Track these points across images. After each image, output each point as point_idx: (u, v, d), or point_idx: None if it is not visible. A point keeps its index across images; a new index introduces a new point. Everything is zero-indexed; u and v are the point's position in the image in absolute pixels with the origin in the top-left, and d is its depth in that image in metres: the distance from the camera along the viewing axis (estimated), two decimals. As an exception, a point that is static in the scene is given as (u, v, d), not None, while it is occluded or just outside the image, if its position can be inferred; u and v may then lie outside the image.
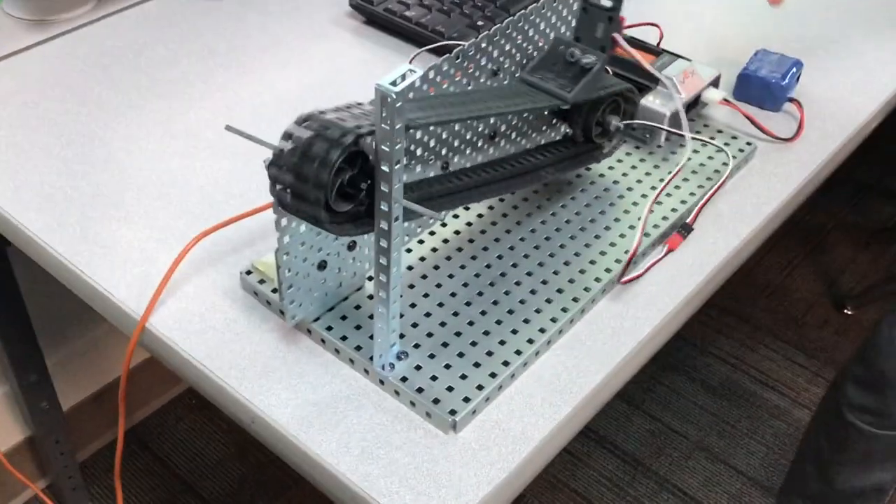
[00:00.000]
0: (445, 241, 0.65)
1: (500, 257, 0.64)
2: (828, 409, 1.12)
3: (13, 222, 0.66)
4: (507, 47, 0.61)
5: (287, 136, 0.47)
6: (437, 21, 0.85)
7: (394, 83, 0.43)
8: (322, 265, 0.57)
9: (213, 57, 0.83)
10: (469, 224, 0.66)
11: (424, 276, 0.62)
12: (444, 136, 0.60)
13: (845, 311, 1.65)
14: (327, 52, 0.85)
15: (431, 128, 0.56)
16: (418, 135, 0.57)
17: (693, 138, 0.72)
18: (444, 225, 0.66)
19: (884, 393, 1.01)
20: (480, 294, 0.61)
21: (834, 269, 1.73)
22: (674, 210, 0.67)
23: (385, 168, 0.45)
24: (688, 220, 0.66)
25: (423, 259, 0.63)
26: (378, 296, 0.52)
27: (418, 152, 0.58)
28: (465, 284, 0.62)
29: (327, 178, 0.45)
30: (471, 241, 0.65)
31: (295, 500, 1.32)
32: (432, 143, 0.59)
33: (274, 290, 0.60)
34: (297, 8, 0.90)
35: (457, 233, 0.66)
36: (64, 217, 0.66)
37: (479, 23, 0.85)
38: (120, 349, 1.30)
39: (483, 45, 0.58)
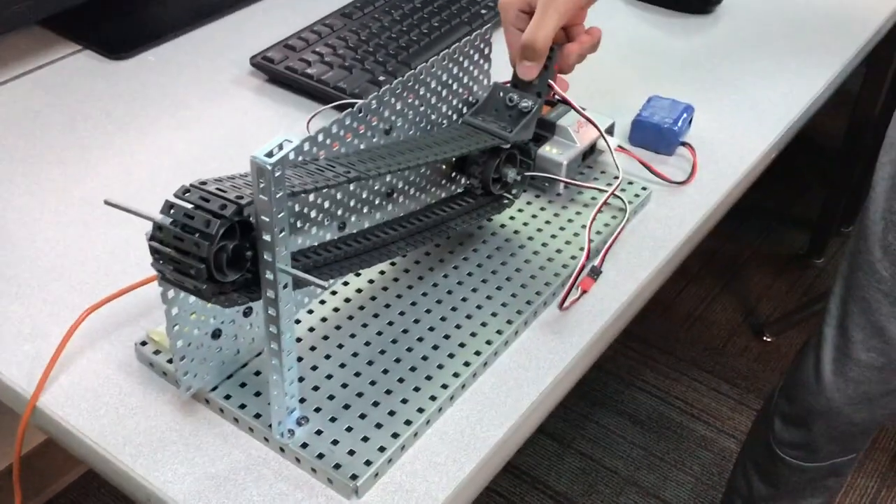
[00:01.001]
0: (347, 300, 0.65)
1: (402, 314, 0.64)
2: (756, 444, 1.14)
3: None
4: (410, 100, 0.61)
5: (167, 208, 0.46)
6: (338, 77, 0.85)
7: (269, 154, 0.43)
8: (216, 334, 0.56)
9: (110, 121, 0.82)
10: (371, 281, 0.66)
11: (326, 337, 0.62)
12: (338, 196, 0.60)
13: (764, 338, 1.69)
14: (229, 111, 0.84)
15: (325, 190, 0.56)
16: (311, 198, 0.57)
17: (589, 187, 0.73)
18: (345, 284, 0.66)
19: (811, 428, 1.02)
20: (382, 352, 0.61)
21: (751, 298, 1.78)
22: (573, 258, 0.68)
23: (267, 238, 0.45)
24: (595, 264, 0.67)
25: (324, 319, 0.63)
26: (272, 364, 0.51)
27: (312, 214, 0.58)
28: (367, 343, 0.61)
29: (208, 252, 0.44)
30: (373, 298, 0.65)
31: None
32: (327, 205, 0.59)
33: (170, 361, 0.58)
34: (198, 68, 0.90)
35: (359, 291, 0.65)
36: (-50, 295, 0.64)
37: (381, 78, 0.86)
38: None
39: (376, 103, 0.59)
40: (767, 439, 1.09)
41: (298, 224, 0.56)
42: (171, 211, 0.46)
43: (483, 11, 0.98)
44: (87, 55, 0.90)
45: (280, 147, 0.43)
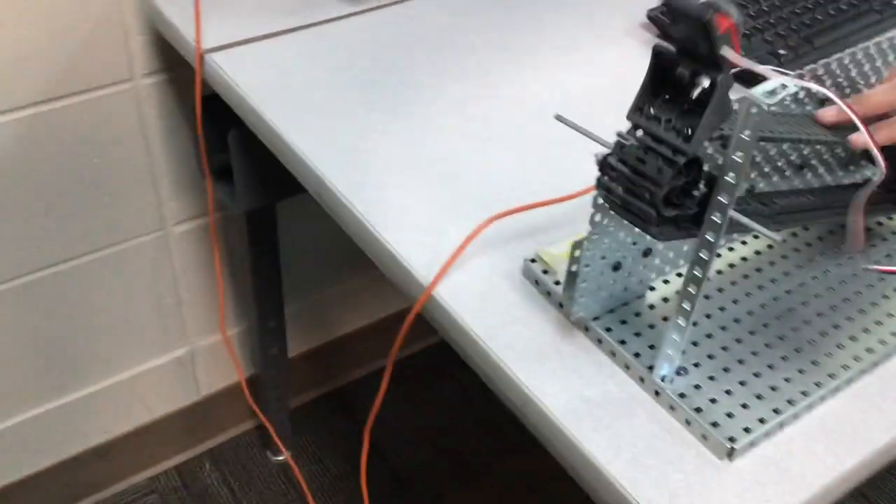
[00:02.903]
0: (731, 265, 0.63)
1: (788, 292, 0.61)
2: None
3: (318, 175, 0.70)
4: (854, 74, 0.58)
5: (634, 128, 0.47)
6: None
7: (766, 95, 0.42)
8: (617, 266, 0.57)
9: (507, 50, 0.85)
10: (758, 253, 0.64)
11: (708, 297, 0.61)
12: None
13: None
14: (617, 59, 0.85)
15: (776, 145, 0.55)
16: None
17: None
18: (730, 249, 0.64)
19: None
20: (766, 326, 0.59)
21: None
22: None
23: (731, 179, 0.45)
24: None
25: (708, 280, 0.62)
26: (681, 306, 0.51)
27: (732, 171, 0.57)
28: (750, 313, 0.60)
29: (669, 178, 0.45)
30: (758, 269, 0.63)
31: (485, 490, 1.33)
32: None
33: (556, 282, 0.60)
34: (593, 14, 0.91)
35: (744, 259, 0.64)
36: (365, 178, 0.70)
37: (781, 51, 0.83)
38: (345, 311, 1.37)
39: (822, 70, 0.56)
40: None
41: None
42: (638, 132, 0.46)
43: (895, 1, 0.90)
44: (491, -15, 0.95)
45: (773, 92, 0.42)
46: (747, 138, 0.43)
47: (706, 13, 0.41)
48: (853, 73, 0.60)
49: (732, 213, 0.46)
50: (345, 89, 0.79)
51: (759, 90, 0.42)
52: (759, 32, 0.85)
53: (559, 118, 0.53)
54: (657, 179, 0.45)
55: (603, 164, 0.48)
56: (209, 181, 0.91)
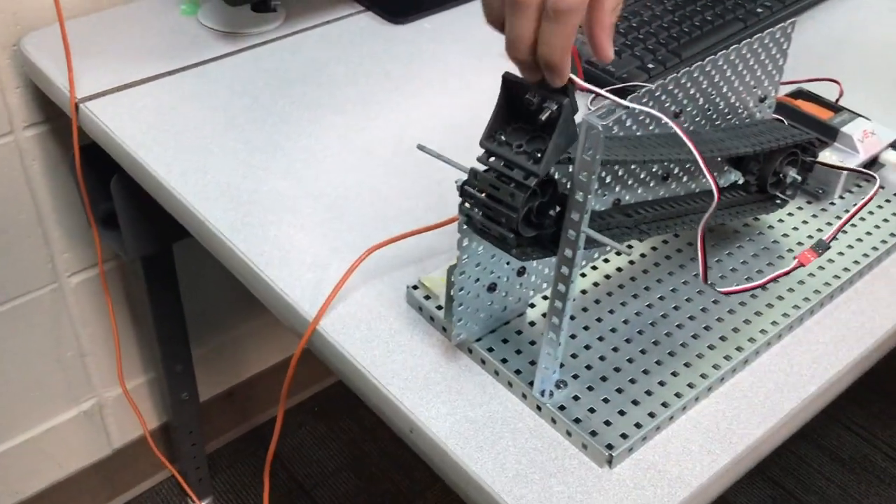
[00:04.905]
0: (607, 276, 0.65)
1: (661, 298, 0.64)
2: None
3: (200, 218, 0.70)
4: (704, 86, 0.61)
5: (486, 156, 0.49)
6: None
7: (601, 116, 0.44)
8: (492, 287, 0.58)
9: (388, 80, 0.87)
10: (631, 262, 0.66)
11: (585, 309, 0.63)
12: (620, 173, 0.60)
13: None
14: (495, 84, 0.87)
15: (615, 165, 0.57)
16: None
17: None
18: (606, 261, 0.66)
19: None
20: (641, 332, 0.61)
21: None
22: (846, 269, 0.65)
23: (579, 198, 0.46)
24: (824, 238, 0.61)
25: (584, 292, 0.64)
26: (550, 322, 0.52)
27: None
28: (626, 321, 0.62)
29: (522, 202, 0.46)
30: (632, 279, 0.65)
31: (405, 519, 1.33)
32: (608, 180, 0.60)
33: (438, 307, 0.61)
34: (468, 39, 0.93)
35: (619, 270, 0.66)
36: (248, 218, 0.70)
37: (650, 66, 0.86)
38: (255, 350, 1.36)
39: (673, 85, 0.59)
40: None
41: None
42: (490, 160, 0.48)
43: (759, 10, 0.95)
44: (370, 16, 0.96)
45: (610, 112, 0.44)
46: (588, 158, 0.45)
47: None
48: (717, 79, 0.62)
49: (585, 230, 0.48)
50: (225, 128, 0.79)
51: (594, 112, 0.44)
52: (628, 48, 0.88)
53: (421, 148, 0.54)
54: (511, 204, 0.47)
55: (462, 190, 0.50)
56: (95, 231, 0.89)
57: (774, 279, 0.61)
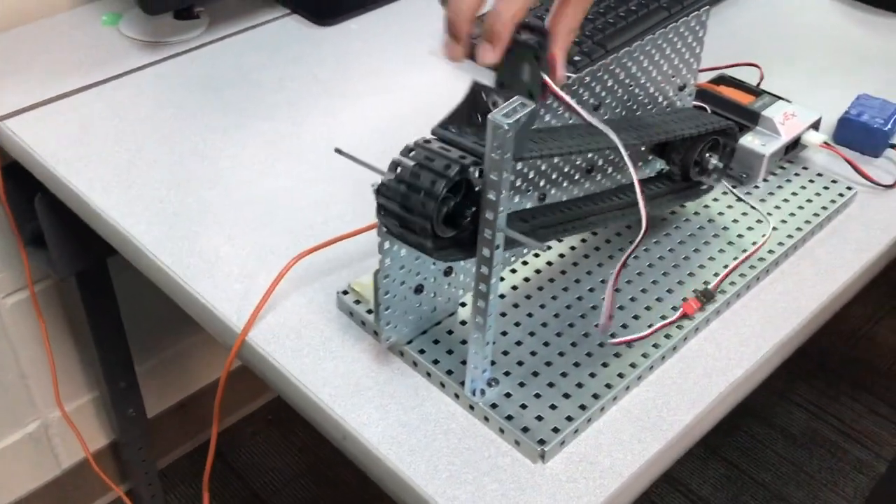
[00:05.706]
0: (538, 271, 0.65)
1: (591, 290, 0.64)
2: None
3: (123, 233, 0.69)
4: (622, 77, 0.61)
5: (394, 165, 0.48)
6: (533, 55, 0.86)
7: (506, 115, 0.44)
8: (419, 289, 0.58)
9: (316, 83, 0.86)
10: (561, 256, 0.67)
11: (516, 305, 0.63)
12: (542, 168, 0.61)
13: (936, 365, 1.59)
14: (424, 82, 0.87)
15: (536, 160, 0.57)
16: (518, 166, 0.58)
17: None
18: (536, 256, 0.66)
19: None
20: (571, 326, 0.61)
21: (925, 321, 1.67)
22: (771, 252, 0.66)
23: (492, 197, 0.46)
24: (710, 287, 0.62)
25: (514, 288, 0.64)
26: (475, 321, 0.52)
27: (517, 183, 0.59)
28: (556, 315, 0.62)
29: (433, 209, 0.46)
30: (563, 272, 0.65)
31: (364, 522, 1.33)
32: (531, 175, 0.60)
33: (369, 311, 0.61)
34: (396, 39, 0.93)
35: (549, 264, 0.66)
36: (173, 231, 0.69)
37: (576, 58, 0.86)
38: (204, 361, 1.34)
39: (590, 78, 0.59)
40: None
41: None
42: (399, 169, 0.48)
43: (683, -3, 0.96)
44: (295, 19, 0.95)
45: (515, 109, 0.44)
46: (497, 157, 0.45)
47: None
48: (634, 69, 0.63)
49: (503, 229, 0.48)
50: (149, 140, 0.78)
51: (499, 111, 0.44)
52: (554, 42, 0.88)
53: (339, 151, 0.54)
54: (424, 212, 0.46)
55: (379, 191, 0.49)
56: (22, 251, 0.87)
57: (661, 328, 0.60)
